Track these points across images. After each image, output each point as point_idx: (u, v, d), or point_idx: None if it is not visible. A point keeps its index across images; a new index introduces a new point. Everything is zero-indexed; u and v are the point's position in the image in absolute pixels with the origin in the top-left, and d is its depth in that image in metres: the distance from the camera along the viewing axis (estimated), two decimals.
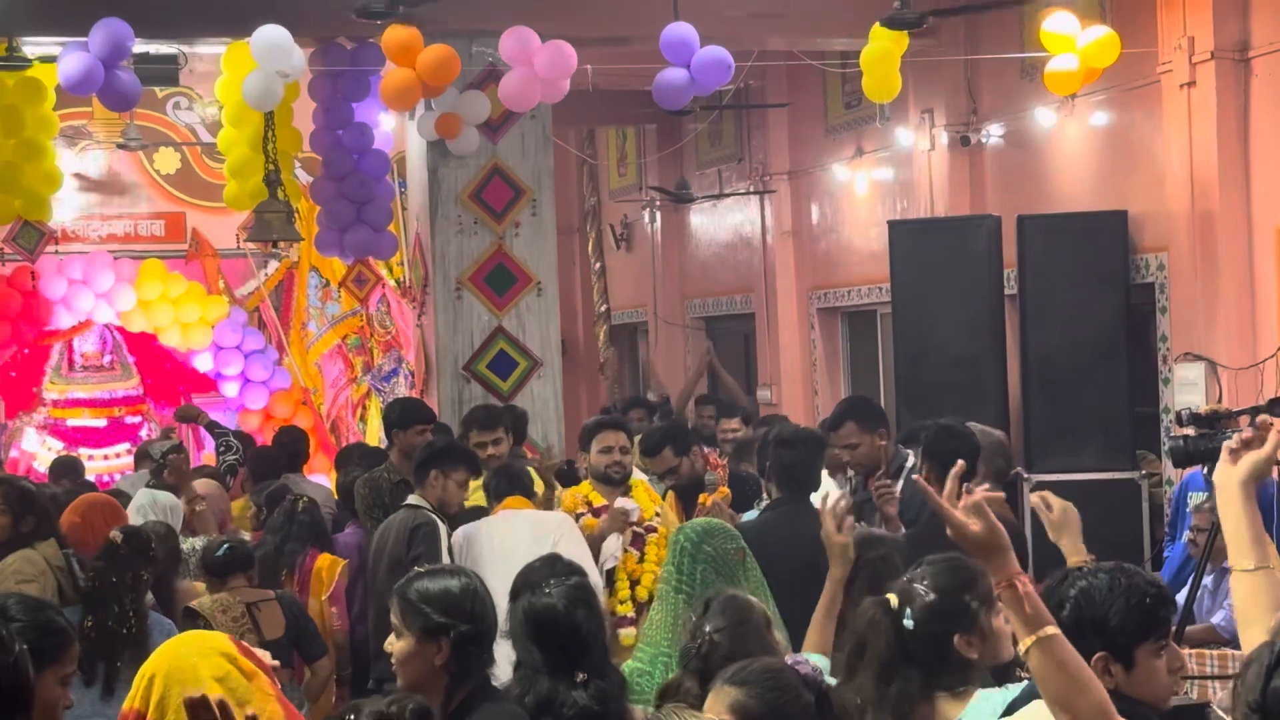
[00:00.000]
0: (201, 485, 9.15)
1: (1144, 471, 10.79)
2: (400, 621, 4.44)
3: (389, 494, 8.42)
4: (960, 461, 3.42)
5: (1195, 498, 8.96)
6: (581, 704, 4.44)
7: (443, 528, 7.66)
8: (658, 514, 7.91)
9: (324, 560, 8.31)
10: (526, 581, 4.69)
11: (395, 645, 4.45)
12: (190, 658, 3.60)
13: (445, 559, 7.35)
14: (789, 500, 7.14)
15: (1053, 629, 3.16)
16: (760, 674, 3.80)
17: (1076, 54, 9.97)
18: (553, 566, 4.79)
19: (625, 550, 7.77)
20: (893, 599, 4.06)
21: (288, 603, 7.43)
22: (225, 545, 7.55)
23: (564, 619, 4.54)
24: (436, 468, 7.78)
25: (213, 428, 11.56)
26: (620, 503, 7.82)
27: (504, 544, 7.13)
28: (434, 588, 4.46)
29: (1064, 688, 3.11)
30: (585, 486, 8.04)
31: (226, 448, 11.22)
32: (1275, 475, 8.25)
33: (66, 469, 11.49)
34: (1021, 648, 3.18)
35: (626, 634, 7.41)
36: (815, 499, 8.13)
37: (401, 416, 8.99)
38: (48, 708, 3.68)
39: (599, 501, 7.89)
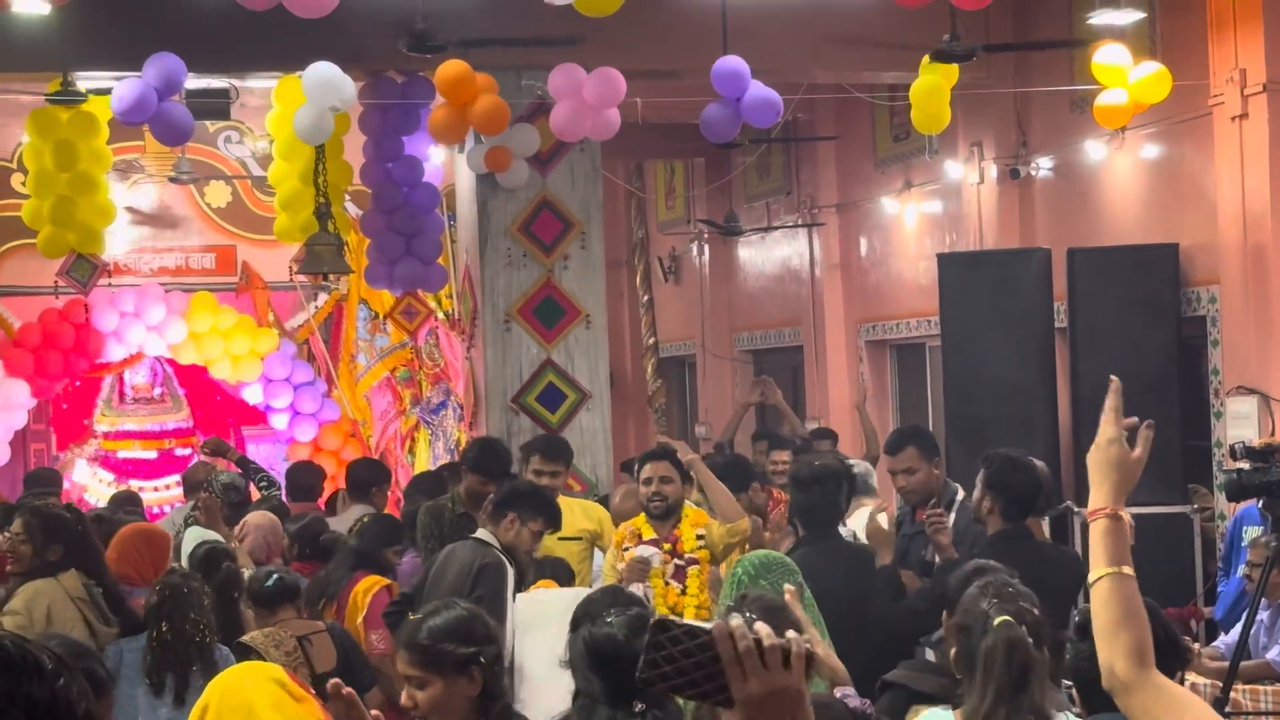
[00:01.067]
0: (255, 517, 9.12)
1: (1196, 506, 10.71)
2: (421, 672, 4.36)
3: (449, 525, 8.31)
4: (1114, 380, 3.37)
5: (1251, 532, 8.89)
6: None
7: (510, 571, 7.53)
8: (700, 539, 7.78)
9: (363, 584, 8.26)
10: (587, 612, 4.67)
11: (419, 695, 4.36)
12: (243, 686, 3.63)
13: (510, 603, 7.22)
14: (814, 539, 7.14)
15: (1130, 570, 3.15)
16: None
17: (1127, 88, 9.94)
18: (613, 596, 4.77)
19: (666, 584, 7.71)
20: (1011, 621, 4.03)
21: (338, 635, 7.41)
22: (274, 576, 7.54)
23: (624, 649, 4.50)
24: (516, 511, 7.43)
25: (244, 464, 11.54)
26: (640, 551, 7.72)
27: (537, 621, 7.01)
28: (443, 624, 4.42)
29: (1121, 618, 3.08)
30: (640, 518, 7.96)
31: (269, 483, 11.24)
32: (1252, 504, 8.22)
33: (125, 503, 11.50)
34: (1096, 574, 3.14)
35: None
36: (861, 521, 8.12)
37: (475, 462, 8.82)
38: None
39: (649, 534, 7.84)
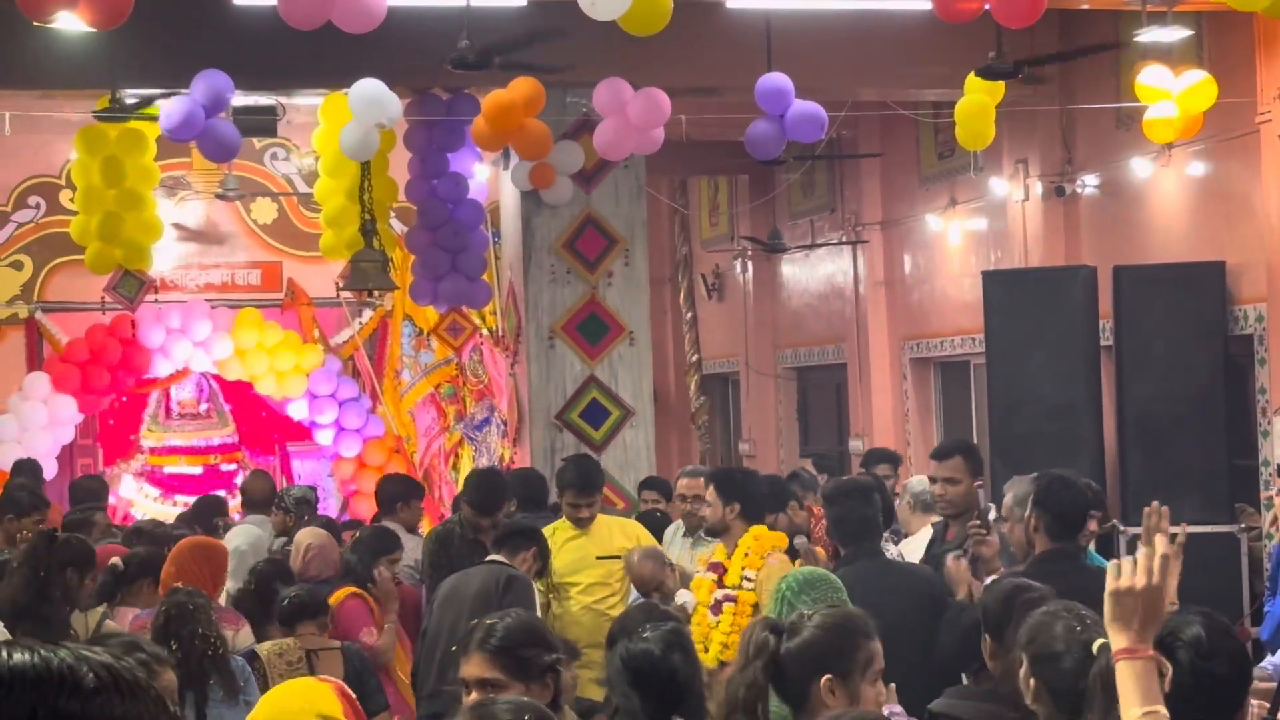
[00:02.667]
0: (311, 535, 8.97)
1: (1243, 525, 10.64)
2: (502, 675, 4.17)
3: (458, 551, 8.18)
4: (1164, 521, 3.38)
5: None
6: None
7: (536, 587, 7.53)
8: (748, 579, 7.60)
9: (333, 598, 8.08)
10: (623, 628, 4.66)
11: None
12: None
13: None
14: (856, 556, 7.07)
15: (1164, 709, 3.18)
16: None
17: (1173, 99, 9.87)
18: (649, 613, 4.76)
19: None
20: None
21: (351, 654, 7.26)
22: (290, 595, 7.42)
23: (661, 664, 4.49)
24: (537, 549, 7.65)
25: None
26: (678, 598, 7.65)
27: None
28: (518, 626, 4.30)
29: None
30: (718, 546, 7.79)
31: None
32: None
33: (199, 518, 11.30)
34: (1133, 714, 3.17)
35: None
36: (922, 537, 8.07)
37: (472, 499, 8.67)
38: None
39: (720, 556, 7.68)
